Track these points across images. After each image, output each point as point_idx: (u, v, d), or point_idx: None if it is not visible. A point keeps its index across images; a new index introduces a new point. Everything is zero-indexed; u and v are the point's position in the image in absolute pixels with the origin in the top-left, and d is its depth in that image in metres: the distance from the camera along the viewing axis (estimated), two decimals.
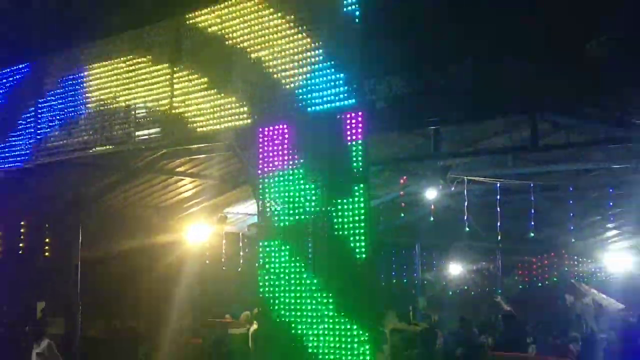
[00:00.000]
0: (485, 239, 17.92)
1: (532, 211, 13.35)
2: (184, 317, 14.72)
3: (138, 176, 13.35)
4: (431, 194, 13.05)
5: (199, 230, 15.12)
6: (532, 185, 13.17)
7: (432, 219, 14.24)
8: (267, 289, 7.98)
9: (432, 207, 13.89)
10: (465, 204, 13.12)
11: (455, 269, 21.23)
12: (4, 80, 11.53)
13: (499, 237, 15.12)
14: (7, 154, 11.34)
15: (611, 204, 14.37)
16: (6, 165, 11.39)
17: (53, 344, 11.82)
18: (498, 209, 13.49)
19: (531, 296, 21.79)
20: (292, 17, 8.02)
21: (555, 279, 22.63)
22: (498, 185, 13.06)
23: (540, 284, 22.54)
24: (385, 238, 16.68)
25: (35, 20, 14.25)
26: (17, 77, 11.39)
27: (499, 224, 13.84)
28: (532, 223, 13.66)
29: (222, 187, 14.37)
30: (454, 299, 20.91)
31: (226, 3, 8.69)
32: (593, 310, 20.07)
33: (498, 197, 13.26)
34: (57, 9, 13.66)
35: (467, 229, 13.99)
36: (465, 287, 22.05)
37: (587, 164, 12.93)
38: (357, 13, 7.45)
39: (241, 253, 16.28)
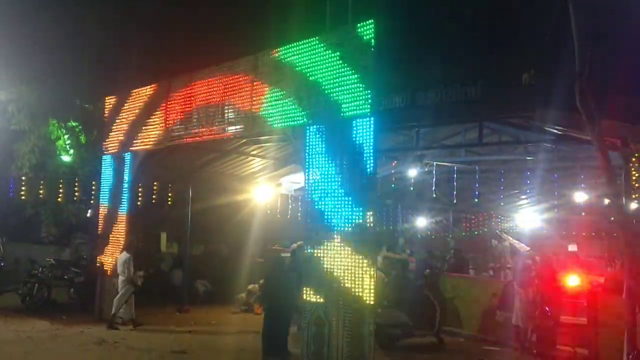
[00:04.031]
0: (443, 201, 17.70)
1: (476, 185, 13.18)
2: (253, 244, 14.79)
3: (227, 156, 13.34)
4: (412, 172, 12.89)
5: (263, 192, 15.10)
6: (477, 168, 12.97)
7: (412, 188, 14.10)
8: (309, 230, 7.96)
9: (412, 181, 13.73)
10: (433, 179, 12.96)
11: (421, 221, 21.05)
12: (148, 96, 11.50)
13: (455, 201, 14.92)
14: (146, 140, 11.38)
15: (528, 181, 14.09)
16: (145, 147, 11.43)
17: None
18: (454, 183, 13.31)
19: (470, 240, 21.61)
20: (333, 54, 7.91)
21: (486, 230, 22.43)
22: (455, 167, 12.87)
23: (476, 232, 22.35)
24: (381, 200, 16.60)
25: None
26: (153, 91, 11.38)
27: (454, 192, 13.67)
28: (477, 192, 13.49)
29: (277, 164, 14.31)
30: (421, 239, 20.76)
31: (286, 47, 8.60)
32: (509, 250, 19.90)
33: (455, 175, 13.07)
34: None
35: (434, 195, 13.86)
36: (428, 232, 21.88)
37: (511, 155, 12.71)
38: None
39: (289, 207, 16.24)
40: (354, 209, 7.44)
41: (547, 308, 9.99)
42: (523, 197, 19.02)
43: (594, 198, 16.35)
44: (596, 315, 9.48)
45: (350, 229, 7.42)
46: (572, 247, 15.66)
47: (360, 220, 7.34)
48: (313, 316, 7.76)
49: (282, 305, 8.73)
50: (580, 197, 15.93)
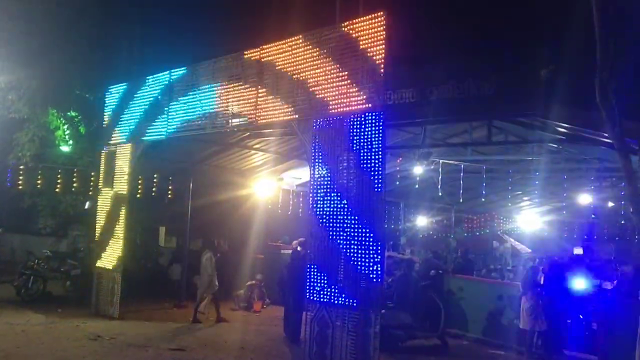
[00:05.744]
0: (447, 200, 17.37)
1: (484, 184, 12.86)
2: (253, 240, 14.51)
3: (228, 149, 13.02)
4: (418, 170, 12.56)
5: (265, 186, 14.79)
6: (484, 167, 12.64)
7: (417, 186, 13.78)
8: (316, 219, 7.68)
9: (418, 178, 13.40)
10: (439, 177, 12.65)
11: (422, 221, 20.78)
12: (150, 86, 11.11)
13: (461, 200, 14.56)
14: (149, 131, 11.04)
15: (537, 182, 13.72)
16: (148, 138, 11.08)
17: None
18: (461, 182, 13.00)
19: (472, 240, 21.34)
20: (342, 46, 7.62)
21: (487, 231, 22.19)
22: (462, 166, 12.55)
23: (478, 233, 22.08)
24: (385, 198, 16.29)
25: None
26: (157, 84, 11.00)
27: (461, 191, 13.36)
28: (484, 192, 13.17)
29: (279, 159, 13.99)
30: (422, 239, 20.48)
31: (294, 39, 8.30)
32: (510, 252, 19.72)
33: (462, 174, 12.75)
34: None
35: (440, 194, 13.55)
36: (430, 232, 21.62)
37: (518, 156, 12.38)
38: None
39: (290, 203, 15.91)
40: (360, 207, 7.15)
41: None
42: (526, 198, 18.77)
43: (599, 200, 16.09)
44: (605, 320, 9.24)
45: (356, 227, 7.14)
46: (578, 251, 15.36)
47: (367, 219, 7.06)
48: (317, 316, 7.50)
49: (296, 294, 9.64)
50: (585, 199, 15.66)
